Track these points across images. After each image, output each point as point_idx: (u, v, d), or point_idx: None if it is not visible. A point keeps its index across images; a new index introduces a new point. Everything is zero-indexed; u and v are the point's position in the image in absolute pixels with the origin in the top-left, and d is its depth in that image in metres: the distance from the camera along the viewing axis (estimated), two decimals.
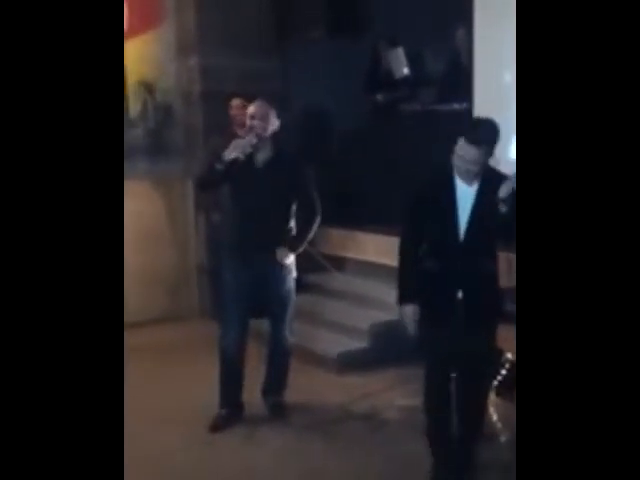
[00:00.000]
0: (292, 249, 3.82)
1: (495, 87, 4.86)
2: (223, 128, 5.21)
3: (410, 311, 3.25)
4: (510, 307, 3.49)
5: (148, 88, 5.89)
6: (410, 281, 3.32)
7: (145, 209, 5.90)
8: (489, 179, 3.15)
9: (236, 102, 5.21)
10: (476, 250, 3.17)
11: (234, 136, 4.98)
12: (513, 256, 4.38)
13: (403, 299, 3.29)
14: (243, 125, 5.04)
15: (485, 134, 3.14)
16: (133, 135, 5.91)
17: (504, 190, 2.98)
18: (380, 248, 5.63)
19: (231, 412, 3.90)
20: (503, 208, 2.99)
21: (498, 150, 3.71)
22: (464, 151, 3.12)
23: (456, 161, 3.13)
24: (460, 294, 3.18)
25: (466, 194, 3.18)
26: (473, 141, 3.09)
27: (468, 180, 3.17)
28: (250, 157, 3.72)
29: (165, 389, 4.41)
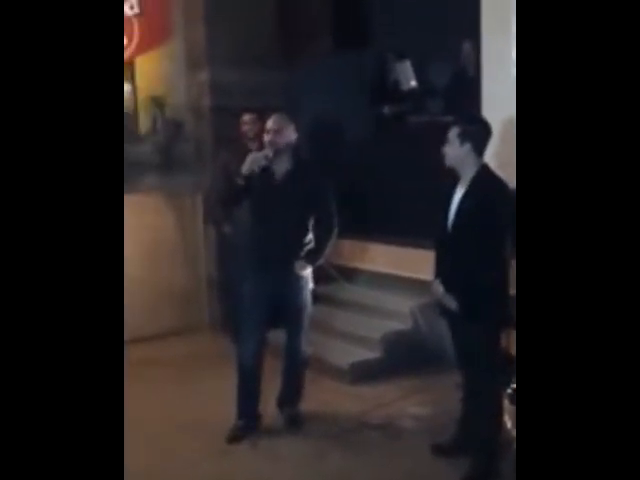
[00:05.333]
0: (311, 262, 3.86)
1: (503, 99, 4.91)
2: (234, 142, 5.25)
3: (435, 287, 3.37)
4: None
5: (158, 103, 5.94)
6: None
7: (156, 223, 5.95)
8: (481, 182, 3.23)
9: (247, 117, 5.25)
10: (463, 249, 3.21)
11: (246, 150, 5.07)
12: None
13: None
14: (254, 139, 5.13)
15: (469, 130, 3.25)
16: (143, 150, 5.96)
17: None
18: (390, 259, 5.67)
19: (248, 423, 3.93)
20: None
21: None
22: (448, 144, 3.25)
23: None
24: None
25: (457, 194, 3.28)
26: (456, 136, 3.21)
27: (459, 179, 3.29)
28: (269, 170, 3.77)
29: (179, 402, 4.43)
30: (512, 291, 4.11)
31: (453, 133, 3.24)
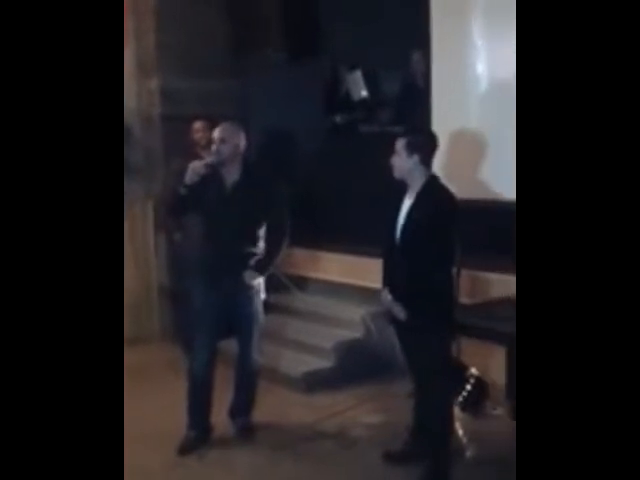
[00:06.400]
0: (260, 271, 3.84)
1: (453, 109, 4.99)
2: (185, 150, 5.21)
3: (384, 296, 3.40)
4: (475, 323, 3.59)
5: None
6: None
7: None
8: (428, 193, 3.27)
9: (198, 124, 5.22)
10: (410, 259, 3.24)
11: (197, 158, 5.03)
12: (477, 274, 4.52)
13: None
14: (205, 147, 5.09)
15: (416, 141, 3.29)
16: None
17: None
18: (342, 267, 5.70)
19: (199, 434, 3.89)
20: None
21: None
22: (395, 155, 3.29)
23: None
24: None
25: (405, 204, 3.32)
26: (403, 147, 3.25)
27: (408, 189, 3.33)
28: (219, 179, 3.75)
29: (130, 412, 4.33)
30: (464, 300, 4.19)
31: (400, 144, 3.28)
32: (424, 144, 3.30)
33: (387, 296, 3.35)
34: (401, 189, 3.36)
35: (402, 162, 3.27)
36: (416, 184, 3.28)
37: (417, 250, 3.20)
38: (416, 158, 3.24)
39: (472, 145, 4.76)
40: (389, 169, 3.37)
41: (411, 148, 3.24)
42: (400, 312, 3.28)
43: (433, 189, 3.27)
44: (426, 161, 3.28)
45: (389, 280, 3.39)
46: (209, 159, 3.73)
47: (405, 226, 3.27)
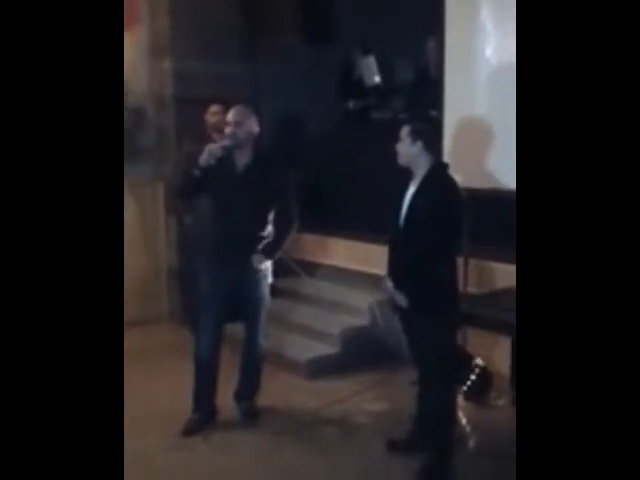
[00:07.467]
0: (268, 255, 3.84)
1: (465, 97, 4.96)
2: (198, 133, 5.19)
3: (386, 284, 3.39)
4: (481, 313, 3.58)
5: None
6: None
7: None
8: (431, 180, 3.26)
9: (215, 108, 5.17)
10: (412, 246, 3.23)
11: (210, 141, 5.02)
12: (484, 264, 4.50)
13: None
14: (219, 130, 5.07)
15: (419, 129, 3.28)
16: None
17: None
18: (350, 254, 5.69)
19: (204, 416, 3.92)
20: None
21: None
22: (400, 142, 3.29)
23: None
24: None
25: (409, 191, 3.31)
26: (407, 134, 3.26)
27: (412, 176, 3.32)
28: (230, 162, 3.74)
29: (136, 394, 4.37)
30: (471, 290, 4.17)
31: (405, 131, 3.28)
32: (428, 131, 3.31)
33: (389, 284, 3.35)
34: (407, 176, 3.36)
35: (406, 148, 3.27)
36: (420, 171, 3.28)
37: (419, 238, 3.19)
38: (420, 145, 3.24)
39: (483, 133, 4.73)
40: (395, 156, 3.37)
41: (415, 135, 3.24)
42: (402, 300, 3.28)
43: (436, 177, 3.26)
44: (430, 148, 3.28)
45: (392, 268, 3.39)
46: (226, 142, 3.73)
47: (408, 213, 3.27)
